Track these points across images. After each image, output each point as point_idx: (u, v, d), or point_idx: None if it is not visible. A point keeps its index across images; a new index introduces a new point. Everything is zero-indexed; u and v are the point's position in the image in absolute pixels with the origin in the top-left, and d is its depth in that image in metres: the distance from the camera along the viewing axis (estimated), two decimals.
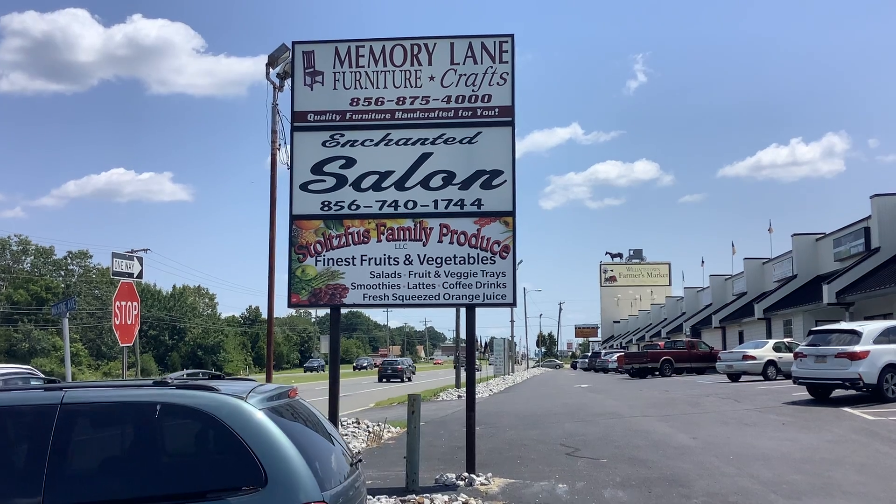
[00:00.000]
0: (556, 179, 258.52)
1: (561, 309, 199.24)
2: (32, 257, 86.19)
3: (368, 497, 9.04)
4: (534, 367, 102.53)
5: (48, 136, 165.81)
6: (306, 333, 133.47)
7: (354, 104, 10.79)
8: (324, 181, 10.70)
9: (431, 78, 10.74)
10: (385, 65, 10.80)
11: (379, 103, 10.77)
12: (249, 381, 5.04)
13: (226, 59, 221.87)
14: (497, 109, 10.66)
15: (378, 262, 10.52)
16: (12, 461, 4.35)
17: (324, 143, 10.76)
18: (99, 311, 78.42)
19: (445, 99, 10.71)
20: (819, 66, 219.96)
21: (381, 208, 10.60)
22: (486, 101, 10.68)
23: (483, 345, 79.41)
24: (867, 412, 15.39)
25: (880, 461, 10.64)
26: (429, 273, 10.46)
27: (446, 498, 8.96)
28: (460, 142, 10.65)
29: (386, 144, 10.71)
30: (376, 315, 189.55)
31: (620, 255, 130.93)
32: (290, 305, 10.88)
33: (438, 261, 10.46)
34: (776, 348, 29.78)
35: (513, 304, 10.75)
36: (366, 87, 10.79)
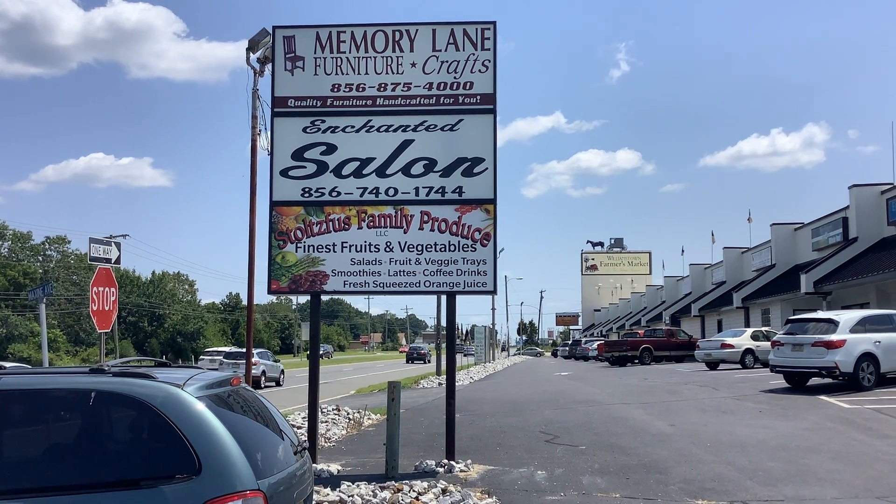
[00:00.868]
0: (538, 168, 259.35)
1: (542, 297, 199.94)
2: (10, 242, 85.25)
3: (348, 483, 9.06)
4: (515, 354, 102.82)
5: (26, 120, 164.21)
6: (287, 320, 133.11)
7: (335, 90, 10.73)
8: (304, 167, 10.64)
9: (413, 64, 10.69)
10: (366, 51, 10.73)
11: (360, 89, 10.71)
12: (191, 369, 5.02)
13: (207, 44, 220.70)
14: (479, 97, 10.64)
15: (359, 249, 10.49)
16: None
17: (304, 129, 10.69)
18: (77, 296, 77.76)
19: (427, 86, 10.67)
20: (800, 58, 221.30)
21: (361, 195, 10.56)
22: (467, 88, 10.65)
23: (464, 332, 79.51)
24: (843, 400, 15.56)
25: (855, 449, 10.76)
26: (409, 260, 10.45)
27: (426, 484, 8.98)
28: (442, 129, 10.62)
29: (367, 131, 10.66)
30: (358, 302, 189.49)
31: (601, 244, 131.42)
32: (270, 292, 10.84)
33: (419, 248, 10.45)
34: (754, 337, 30.05)
35: (493, 292, 10.77)
36: (347, 73, 10.73)
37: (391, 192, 10.54)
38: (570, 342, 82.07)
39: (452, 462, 10.11)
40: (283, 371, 37.50)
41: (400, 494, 8.61)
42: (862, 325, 17.73)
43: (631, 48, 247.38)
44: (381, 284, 10.51)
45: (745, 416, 14.26)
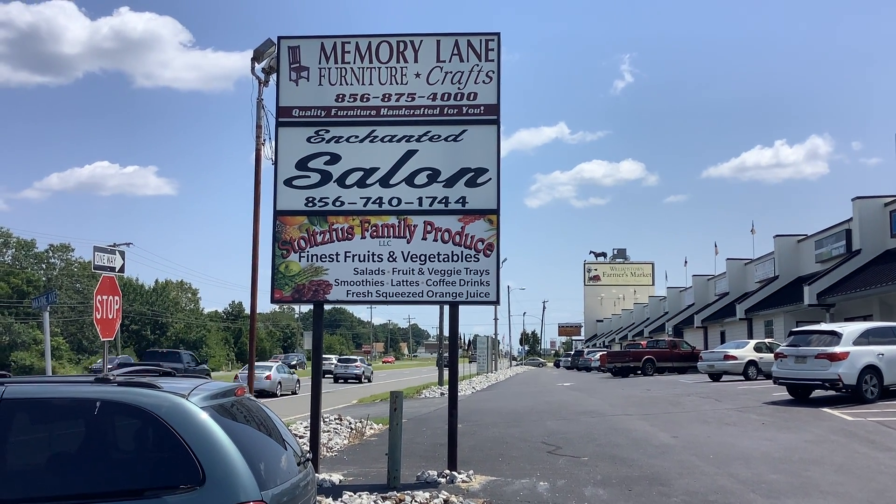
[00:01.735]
0: (541, 178, 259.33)
1: (545, 307, 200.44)
2: (13, 250, 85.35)
3: (350, 493, 9.05)
4: (517, 365, 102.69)
5: (31, 129, 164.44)
6: (289, 329, 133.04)
7: (340, 100, 10.77)
8: (308, 177, 10.67)
9: (417, 75, 10.74)
10: (371, 61, 10.78)
11: (364, 100, 10.75)
12: (196, 379, 5.02)
13: (213, 54, 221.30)
14: (483, 107, 10.67)
15: (362, 259, 10.51)
16: None
17: (309, 139, 10.73)
18: (80, 304, 77.80)
19: (431, 96, 10.71)
20: (804, 69, 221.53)
21: (365, 205, 10.59)
22: (471, 98, 10.68)
23: (467, 343, 79.47)
24: (846, 413, 15.52)
25: (858, 461, 10.74)
26: (413, 270, 10.46)
27: (427, 495, 8.97)
28: (445, 139, 10.65)
29: (371, 141, 10.70)
30: (360, 312, 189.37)
31: (604, 255, 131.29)
32: (273, 301, 10.85)
33: (422, 258, 10.46)
34: (757, 348, 29.98)
35: (496, 302, 10.78)
36: (351, 84, 10.77)
37: (395, 202, 10.57)
38: (572, 353, 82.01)
39: (454, 472, 10.10)
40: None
41: None
42: (865, 338, 17.70)
43: (635, 59, 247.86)
44: (384, 294, 10.51)
45: (747, 428, 14.23)
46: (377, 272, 10.48)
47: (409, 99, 10.73)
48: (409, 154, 10.64)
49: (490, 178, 10.55)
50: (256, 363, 41.31)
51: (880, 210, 33.66)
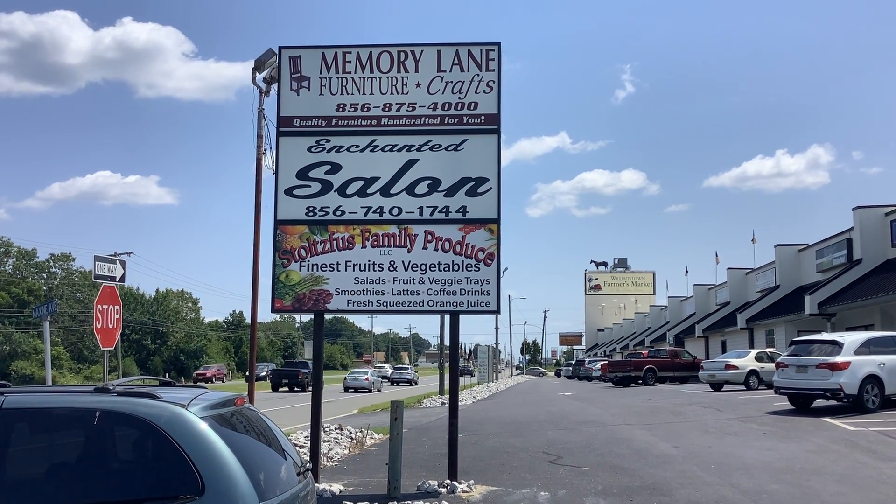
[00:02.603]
0: (542, 187, 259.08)
1: (545, 317, 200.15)
2: (14, 259, 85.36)
3: (350, 503, 9.02)
4: (518, 374, 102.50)
5: (33, 138, 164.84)
6: (290, 339, 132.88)
7: (340, 110, 10.79)
8: (309, 186, 10.68)
9: (418, 85, 10.76)
10: (372, 71, 10.80)
11: (365, 109, 10.77)
12: (196, 389, 5.01)
13: (215, 64, 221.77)
14: (483, 117, 10.69)
15: (363, 269, 10.51)
16: None
17: (309, 149, 10.74)
18: (81, 314, 77.74)
19: (432, 106, 10.73)
20: (804, 78, 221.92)
21: (366, 214, 10.59)
22: (472, 108, 10.70)
23: (468, 352, 79.37)
24: (848, 423, 15.49)
25: (860, 471, 10.71)
26: (413, 280, 10.46)
27: None
28: (446, 149, 10.66)
29: (372, 151, 10.71)
30: (361, 321, 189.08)
31: (605, 264, 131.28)
32: (273, 310, 10.84)
33: (423, 267, 10.46)
34: (758, 358, 29.95)
35: (497, 312, 10.76)
36: (352, 93, 10.79)
37: (395, 211, 10.57)
38: (573, 362, 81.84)
39: (455, 482, 10.07)
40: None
41: None
42: (866, 347, 17.68)
43: (636, 69, 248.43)
44: (385, 304, 10.51)
45: (749, 438, 14.20)
46: (378, 281, 10.48)
47: (410, 108, 10.75)
48: (410, 163, 10.66)
49: (490, 188, 10.56)
50: (356, 369, 50.18)
51: (881, 219, 33.65)
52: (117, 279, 13.73)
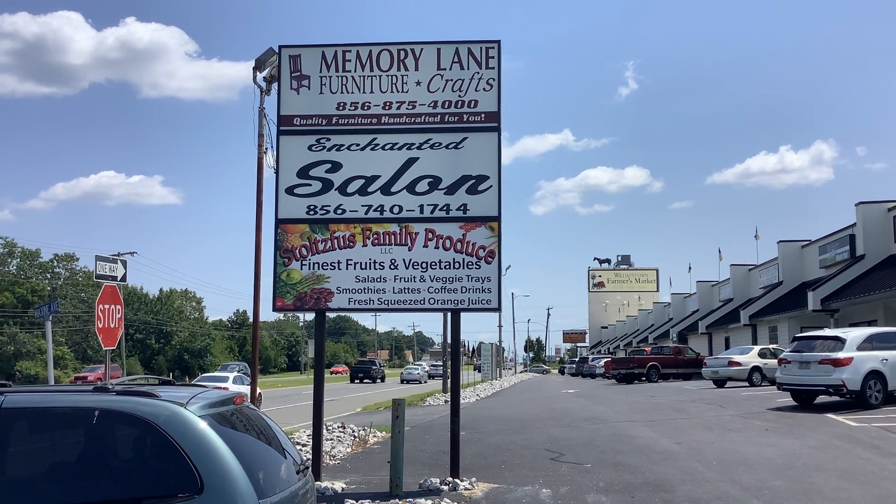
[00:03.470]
0: (546, 185, 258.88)
1: (549, 314, 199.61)
2: (18, 260, 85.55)
3: (352, 501, 9.05)
4: (521, 372, 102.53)
5: (37, 139, 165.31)
6: (294, 337, 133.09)
7: (341, 108, 10.80)
8: (310, 185, 10.69)
9: (418, 83, 10.76)
10: (372, 69, 10.81)
11: (365, 108, 10.78)
12: (195, 388, 5.03)
13: (218, 63, 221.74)
14: (483, 115, 10.69)
15: (363, 267, 10.52)
16: None
17: (310, 147, 10.76)
18: (85, 314, 77.89)
19: (432, 104, 10.73)
20: (808, 75, 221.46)
21: (366, 213, 10.60)
22: (472, 106, 10.71)
23: (471, 350, 79.45)
24: (850, 418, 15.48)
25: (862, 467, 10.70)
26: (414, 278, 10.47)
27: (430, 503, 8.97)
28: (446, 147, 10.67)
29: (372, 149, 10.72)
30: (364, 319, 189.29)
31: (608, 261, 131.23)
32: (274, 309, 10.85)
33: (424, 265, 10.47)
34: (761, 354, 29.92)
35: (498, 309, 10.77)
36: (352, 92, 10.80)
37: (396, 209, 10.58)
38: (577, 359, 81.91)
39: (457, 480, 10.09)
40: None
41: None
42: (869, 343, 17.66)
43: (639, 66, 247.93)
44: (386, 302, 10.53)
45: (751, 434, 14.19)
46: (379, 280, 10.49)
47: (410, 107, 10.76)
48: (410, 162, 10.67)
49: (491, 186, 10.56)
50: (410, 366, 70.03)
51: (884, 215, 33.59)
52: (119, 279, 13.76)
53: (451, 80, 10.75)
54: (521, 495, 9.52)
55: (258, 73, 15.57)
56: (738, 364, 29.29)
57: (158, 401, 4.35)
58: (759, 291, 46.80)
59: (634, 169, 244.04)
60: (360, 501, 9.08)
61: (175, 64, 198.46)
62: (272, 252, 10.76)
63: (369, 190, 10.64)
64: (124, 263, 14.01)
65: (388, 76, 10.80)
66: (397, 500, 9.21)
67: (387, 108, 10.77)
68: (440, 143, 10.68)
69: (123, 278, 13.89)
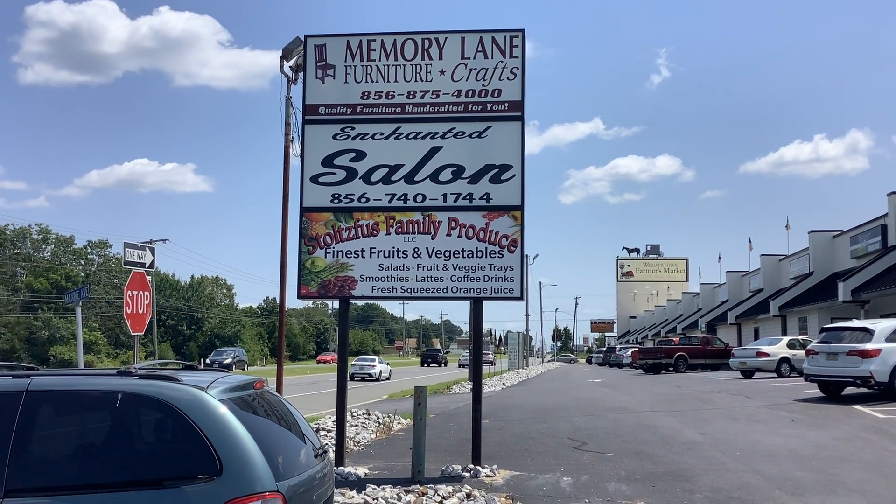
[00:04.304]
0: (575, 174, 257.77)
1: (577, 303, 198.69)
2: (53, 246, 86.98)
3: (373, 486, 9.15)
4: (549, 361, 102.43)
5: (72, 127, 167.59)
6: (322, 325, 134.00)
7: (365, 98, 10.86)
8: (334, 174, 10.78)
9: (442, 72, 10.79)
10: (396, 59, 10.86)
11: (389, 97, 10.83)
12: (216, 373, 5.13)
13: (250, 52, 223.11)
14: (507, 104, 10.70)
15: (387, 255, 10.60)
16: None
17: (334, 136, 10.84)
18: (118, 300, 78.91)
19: (455, 93, 10.76)
20: (844, 63, 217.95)
21: (390, 201, 10.67)
22: (496, 95, 10.72)
23: (499, 339, 79.63)
24: (878, 410, 15.35)
25: (887, 459, 10.62)
26: (437, 266, 10.53)
27: (450, 489, 9.05)
28: (470, 136, 10.70)
29: (396, 138, 10.78)
30: (393, 308, 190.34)
31: (637, 251, 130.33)
32: (299, 297, 10.97)
33: (447, 254, 10.53)
34: (790, 345, 29.65)
35: (520, 298, 10.79)
36: (377, 81, 10.86)
37: (419, 198, 10.64)
38: (604, 349, 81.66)
39: (478, 467, 10.17)
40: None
41: (424, 498, 8.69)
42: None
43: (672, 54, 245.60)
44: (409, 290, 10.60)
45: (776, 425, 14.13)
46: (402, 268, 10.57)
47: (434, 96, 10.79)
48: (434, 151, 10.71)
49: (514, 175, 10.58)
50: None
51: None
52: (147, 266, 13.97)
53: (475, 69, 10.76)
54: (542, 483, 9.57)
55: (285, 62, 15.65)
56: (767, 355, 29.07)
57: (180, 385, 4.46)
58: (789, 282, 46.33)
59: (666, 158, 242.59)
60: (381, 486, 9.18)
61: (208, 53, 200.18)
62: (297, 240, 10.88)
63: (393, 179, 10.70)
64: (152, 250, 14.22)
65: (412, 65, 10.84)
66: (418, 485, 9.30)
67: (411, 97, 10.81)
68: (464, 133, 10.71)
69: (152, 265, 14.10)
